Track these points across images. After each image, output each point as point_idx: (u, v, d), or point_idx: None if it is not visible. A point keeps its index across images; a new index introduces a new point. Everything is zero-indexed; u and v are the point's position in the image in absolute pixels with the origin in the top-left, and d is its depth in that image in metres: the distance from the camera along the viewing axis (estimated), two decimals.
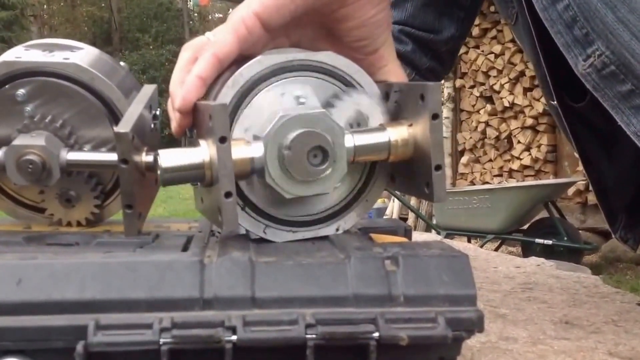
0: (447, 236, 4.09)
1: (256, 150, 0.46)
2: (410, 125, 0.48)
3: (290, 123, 0.46)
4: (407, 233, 0.59)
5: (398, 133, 0.49)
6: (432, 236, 2.35)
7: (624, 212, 0.84)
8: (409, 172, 0.50)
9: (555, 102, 0.77)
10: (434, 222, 4.66)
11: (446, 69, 0.91)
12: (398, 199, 4.96)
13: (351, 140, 0.48)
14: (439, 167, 0.47)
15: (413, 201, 4.92)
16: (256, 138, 0.47)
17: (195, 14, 21.73)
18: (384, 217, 5.07)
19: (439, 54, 0.88)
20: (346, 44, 0.55)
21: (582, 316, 0.73)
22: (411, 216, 5.32)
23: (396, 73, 0.56)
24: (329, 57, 0.50)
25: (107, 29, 20.00)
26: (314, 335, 0.39)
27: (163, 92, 0.55)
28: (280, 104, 0.48)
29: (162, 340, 0.38)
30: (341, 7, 0.53)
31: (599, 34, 0.61)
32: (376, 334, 0.39)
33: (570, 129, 0.79)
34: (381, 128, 0.49)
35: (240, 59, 0.50)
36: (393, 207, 5.55)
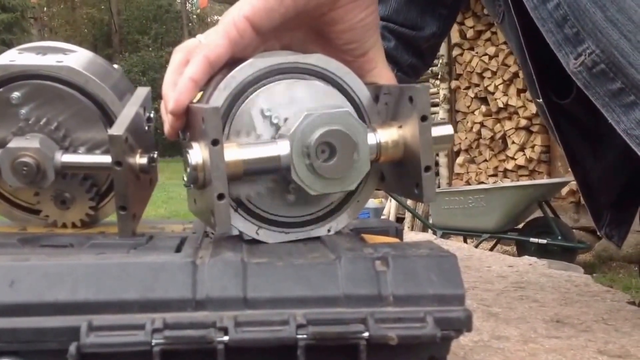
0: (443, 235, 4.10)
1: (282, 148, 0.47)
2: (400, 126, 0.49)
3: (316, 121, 0.46)
4: (399, 233, 0.60)
5: (388, 134, 0.49)
6: (428, 236, 2.36)
7: (610, 209, 0.85)
8: (399, 172, 0.51)
9: (540, 100, 0.77)
10: (431, 221, 4.66)
11: (426, 66, 0.92)
12: (395, 199, 4.97)
13: (374, 138, 0.49)
14: (428, 168, 0.47)
15: (410, 201, 4.93)
16: (282, 136, 0.47)
17: (195, 16, 21.73)
18: (382, 217, 5.08)
19: (420, 51, 0.88)
20: (336, 46, 0.55)
21: (573, 315, 0.74)
22: (408, 216, 5.33)
23: (385, 75, 0.57)
24: (319, 60, 0.50)
25: (107, 31, 20.00)
26: (304, 336, 0.39)
27: None
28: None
29: (154, 341, 0.38)
30: (330, 11, 0.53)
31: (589, 32, 0.62)
32: (366, 334, 0.40)
33: (556, 126, 0.79)
34: (372, 129, 0.50)
35: (232, 62, 0.50)
36: (390, 207, 5.56)
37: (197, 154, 0.46)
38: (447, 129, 0.50)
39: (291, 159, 0.47)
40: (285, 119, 0.48)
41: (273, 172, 0.48)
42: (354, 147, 0.47)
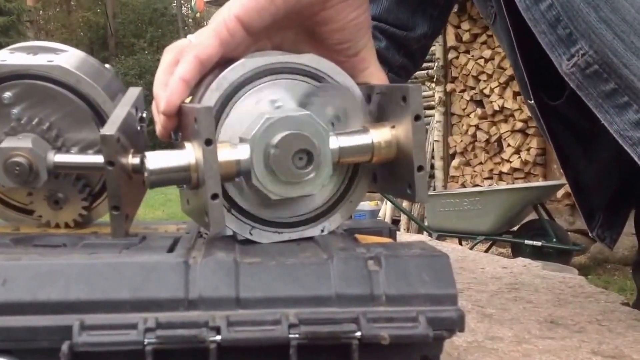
0: (438, 238, 4.11)
1: (242, 152, 0.46)
2: (393, 126, 0.49)
3: (276, 125, 0.46)
4: (392, 234, 0.60)
5: (381, 134, 0.49)
6: (423, 238, 2.36)
7: (602, 211, 0.85)
8: (391, 173, 0.51)
9: (532, 102, 0.78)
10: (426, 224, 4.67)
11: (417, 66, 0.91)
12: (390, 201, 4.98)
13: (336, 142, 0.49)
14: (421, 168, 0.47)
15: (405, 203, 4.94)
16: (242, 140, 0.47)
17: (190, 20, 21.75)
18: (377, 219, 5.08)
19: (411, 51, 0.88)
20: (328, 46, 0.55)
21: (567, 316, 0.74)
22: (403, 218, 5.34)
23: (377, 75, 0.57)
24: (311, 60, 0.50)
25: (102, 35, 20.00)
26: (296, 335, 0.39)
27: None
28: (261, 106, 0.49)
29: (146, 341, 0.38)
30: (322, 10, 0.53)
31: (582, 33, 0.62)
32: (358, 334, 0.40)
33: (548, 128, 0.79)
34: (364, 130, 0.50)
35: (223, 62, 0.50)
36: (386, 210, 5.56)
37: (190, 154, 0.46)
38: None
39: (251, 163, 0.46)
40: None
41: (237, 176, 0.47)
42: (315, 151, 0.47)
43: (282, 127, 0.46)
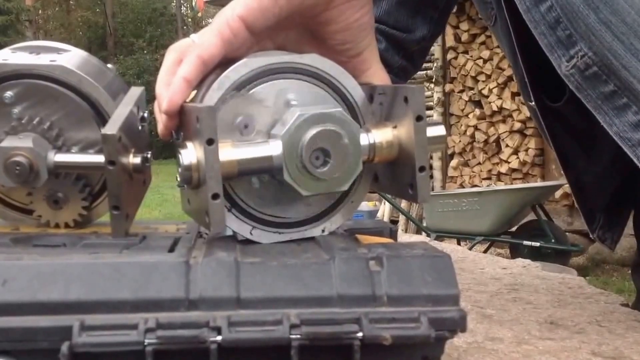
0: (437, 238, 4.12)
1: (275, 149, 0.47)
2: (395, 127, 0.49)
3: (308, 121, 0.46)
4: (393, 234, 0.60)
5: (383, 134, 0.49)
6: (422, 238, 2.36)
7: (602, 212, 0.85)
8: (393, 173, 0.51)
9: (533, 103, 0.78)
10: (424, 224, 4.68)
11: (416, 68, 0.91)
12: (389, 201, 4.98)
13: (366, 138, 0.49)
14: (423, 169, 0.47)
15: (404, 204, 4.94)
16: (274, 136, 0.47)
17: (189, 19, 21.76)
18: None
19: (410, 53, 0.88)
20: (330, 47, 0.55)
21: (567, 316, 0.74)
22: (402, 219, 5.34)
23: (380, 75, 0.57)
24: (313, 60, 0.50)
25: (101, 34, 20.01)
26: (298, 336, 0.39)
27: None
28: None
29: (147, 341, 0.38)
30: (325, 11, 0.53)
31: (582, 35, 0.62)
32: (360, 334, 0.40)
33: (548, 129, 0.79)
34: (367, 129, 0.50)
35: (225, 62, 0.50)
36: (384, 210, 5.57)
37: (191, 153, 0.46)
38: (440, 130, 0.50)
39: (283, 159, 0.47)
40: (277, 120, 0.48)
41: (267, 173, 0.48)
42: (346, 147, 0.47)
43: (314, 123, 0.46)
